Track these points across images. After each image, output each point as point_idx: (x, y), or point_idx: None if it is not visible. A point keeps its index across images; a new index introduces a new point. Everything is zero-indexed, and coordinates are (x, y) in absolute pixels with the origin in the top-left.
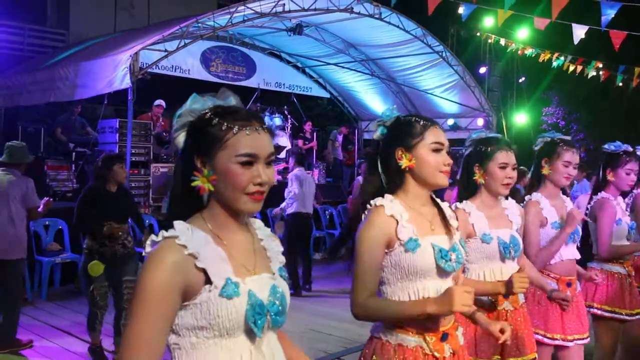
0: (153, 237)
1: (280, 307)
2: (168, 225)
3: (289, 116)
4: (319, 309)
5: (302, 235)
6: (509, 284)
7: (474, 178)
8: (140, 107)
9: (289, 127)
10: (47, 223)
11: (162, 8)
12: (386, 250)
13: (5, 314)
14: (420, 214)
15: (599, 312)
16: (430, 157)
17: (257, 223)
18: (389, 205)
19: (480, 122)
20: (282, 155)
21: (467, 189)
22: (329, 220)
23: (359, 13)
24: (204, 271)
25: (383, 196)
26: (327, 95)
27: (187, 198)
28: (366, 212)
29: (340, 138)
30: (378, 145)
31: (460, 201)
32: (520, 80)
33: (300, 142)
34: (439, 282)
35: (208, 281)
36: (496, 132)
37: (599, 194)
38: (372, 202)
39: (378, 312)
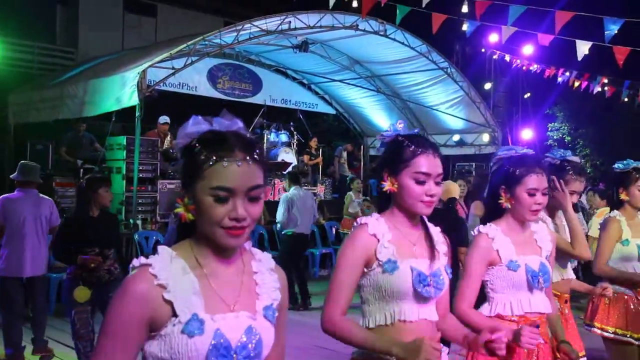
0: (134, 262)
1: (253, 352)
2: (154, 250)
3: (294, 132)
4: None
5: (296, 254)
6: (516, 334)
7: (500, 202)
8: (148, 124)
9: (294, 144)
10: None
11: (169, 26)
12: (365, 269)
13: (37, 326)
14: (404, 236)
15: (608, 334)
16: (413, 186)
17: (261, 255)
18: (373, 223)
19: (485, 137)
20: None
21: (492, 212)
22: (335, 236)
23: (364, 30)
24: (171, 303)
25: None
26: (333, 112)
27: (181, 224)
28: (352, 230)
29: (345, 155)
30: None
31: (485, 223)
32: (525, 96)
33: (306, 158)
34: (417, 307)
35: (175, 314)
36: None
37: (611, 213)
38: (358, 220)
39: (346, 334)
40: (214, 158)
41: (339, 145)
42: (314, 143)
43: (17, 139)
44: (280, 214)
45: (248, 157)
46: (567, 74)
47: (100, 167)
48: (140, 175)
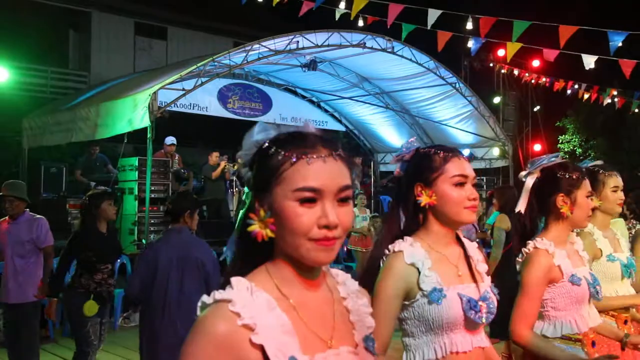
0: (205, 298)
1: None
2: (225, 282)
3: None
4: None
5: None
6: None
7: (562, 210)
8: (159, 144)
9: None
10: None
11: (179, 48)
12: (406, 302)
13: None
14: (444, 258)
15: None
16: (452, 192)
17: (342, 276)
18: (409, 251)
19: (496, 151)
20: None
21: (533, 223)
22: (348, 254)
23: (371, 48)
24: (261, 348)
25: (403, 238)
26: (343, 129)
27: (251, 246)
28: (384, 258)
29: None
30: (399, 183)
31: (526, 239)
32: (535, 109)
33: None
34: (469, 336)
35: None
36: (512, 161)
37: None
38: (390, 246)
39: None
40: (295, 155)
41: None
42: None
43: (31, 162)
44: None
45: (334, 153)
46: (577, 86)
47: (113, 188)
48: (152, 196)
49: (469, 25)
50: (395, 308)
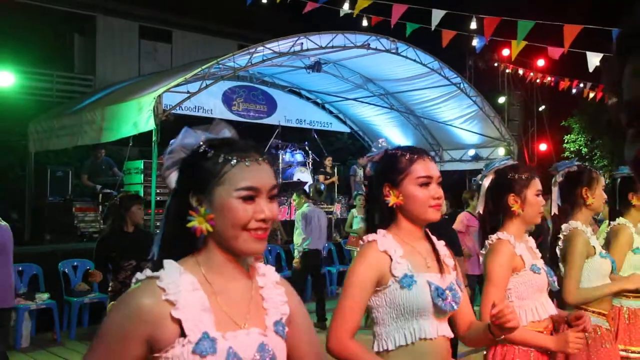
0: (138, 275)
1: None
2: (158, 264)
3: (309, 152)
4: None
5: (312, 271)
6: (562, 341)
7: (513, 209)
8: (164, 147)
9: (310, 163)
10: (75, 264)
11: (184, 51)
12: (378, 288)
13: None
14: (414, 250)
15: (635, 355)
16: (417, 192)
17: (263, 269)
18: (381, 240)
19: (501, 151)
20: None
21: (493, 221)
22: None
23: (375, 49)
24: (179, 322)
25: (376, 232)
26: (348, 130)
27: (181, 240)
28: (358, 248)
29: (361, 172)
30: (370, 183)
31: (488, 235)
32: (540, 109)
33: (321, 177)
34: (436, 323)
35: (183, 333)
36: (517, 161)
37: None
38: (364, 237)
39: (355, 359)
40: (235, 159)
41: (353, 163)
42: (328, 162)
43: (37, 166)
44: (297, 231)
45: (263, 157)
46: (582, 85)
47: (119, 191)
48: (158, 199)
49: (473, 25)
50: (366, 294)
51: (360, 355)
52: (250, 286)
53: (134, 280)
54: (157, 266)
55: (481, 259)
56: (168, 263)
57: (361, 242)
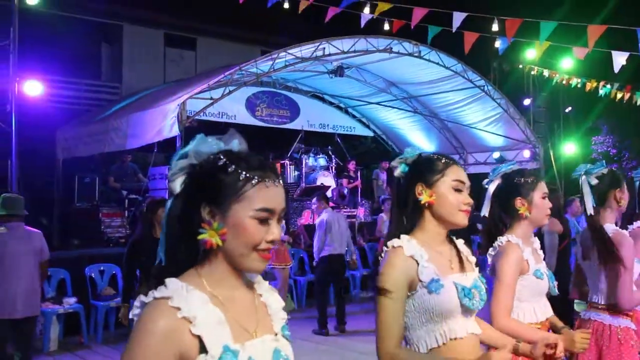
0: (142, 297)
1: None
2: (158, 283)
3: (332, 156)
4: (358, 346)
5: (334, 277)
6: (569, 340)
7: (520, 212)
8: None
9: (333, 167)
10: (102, 268)
11: (208, 58)
12: (408, 294)
13: None
14: (439, 253)
15: None
16: (450, 195)
17: (255, 277)
18: (407, 245)
19: (526, 154)
20: (329, 194)
21: (499, 225)
22: (376, 258)
23: (398, 52)
24: (199, 338)
25: (399, 237)
26: (371, 134)
27: (185, 249)
28: (383, 255)
29: (383, 176)
30: (399, 184)
31: (494, 238)
32: (567, 110)
33: (345, 182)
34: (465, 322)
35: (203, 349)
36: (544, 164)
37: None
38: (389, 243)
39: None
40: (257, 179)
41: (375, 168)
42: (352, 166)
43: (65, 173)
44: (317, 238)
45: (279, 178)
46: (609, 86)
47: (144, 197)
48: None
49: (495, 27)
50: (402, 301)
51: (414, 357)
52: (253, 295)
53: (137, 303)
54: (159, 284)
55: (489, 259)
56: (170, 282)
57: (385, 248)
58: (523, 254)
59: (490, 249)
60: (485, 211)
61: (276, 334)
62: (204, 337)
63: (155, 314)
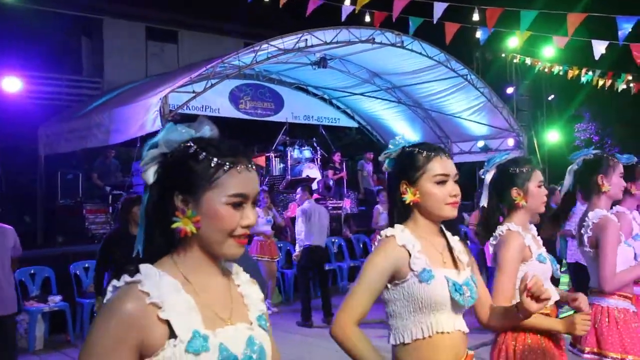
0: (115, 282)
1: None
2: (135, 270)
3: (317, 148)
4: None
5: (315, 267)
6: (569, 324)
7: (517, 202)
8: None
9: (318, 159)
10: (86, 265)
11: (191, 51)
12: (397, 282)
13: None
14: (431, 245)
15: None
16: (434, 189)
17: (235, 268)
18: (400, 235)
19: (510, 142)
20: (314, 186)
21: (495, 214)
22: (363, 249)
23: (380, 43)
24: (167, 323)
25: (393, 226)
26: (355, 125)
27: (160, 238)
28: (376, 243)
29: (368, 167)
30: (389, 179)
31: (493, 227)
32: (549, 98)
33: (330, 173)
34: (453, 317)
35: (173, 334)
36: (527, 152)
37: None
38: (382, 232)
39: (350, 345)
40: (228, 165)
41: (361, 159)
42: (337, 157)
43: (47, 170)
44: (298, 227)
45: (251, 163)
46: (590, 73)
47: (128, 192)
48: None
49: (476, 17)
50: (379, 285)
51: (358, 343)
52: (229, 284)
53: (109, 288)
54: (134, 271)
55: (490, 249)
56: (145, 267)
57: (379, 237)
58: (524, 240)
59: (491, 238)
60: (484, 202)
61: (251, 323)
62: (173, 322)
63: (123, 297)
